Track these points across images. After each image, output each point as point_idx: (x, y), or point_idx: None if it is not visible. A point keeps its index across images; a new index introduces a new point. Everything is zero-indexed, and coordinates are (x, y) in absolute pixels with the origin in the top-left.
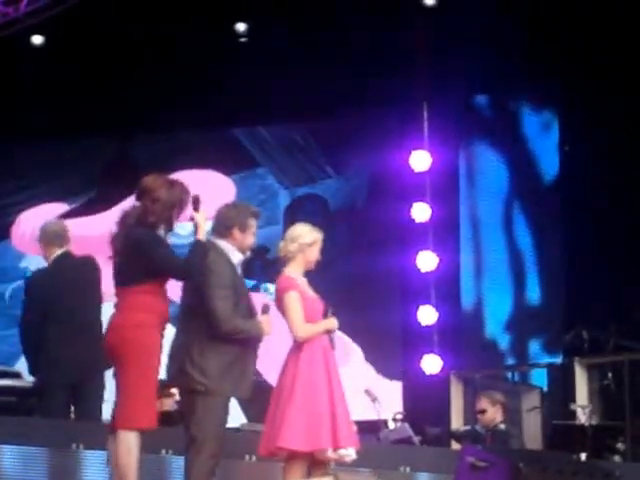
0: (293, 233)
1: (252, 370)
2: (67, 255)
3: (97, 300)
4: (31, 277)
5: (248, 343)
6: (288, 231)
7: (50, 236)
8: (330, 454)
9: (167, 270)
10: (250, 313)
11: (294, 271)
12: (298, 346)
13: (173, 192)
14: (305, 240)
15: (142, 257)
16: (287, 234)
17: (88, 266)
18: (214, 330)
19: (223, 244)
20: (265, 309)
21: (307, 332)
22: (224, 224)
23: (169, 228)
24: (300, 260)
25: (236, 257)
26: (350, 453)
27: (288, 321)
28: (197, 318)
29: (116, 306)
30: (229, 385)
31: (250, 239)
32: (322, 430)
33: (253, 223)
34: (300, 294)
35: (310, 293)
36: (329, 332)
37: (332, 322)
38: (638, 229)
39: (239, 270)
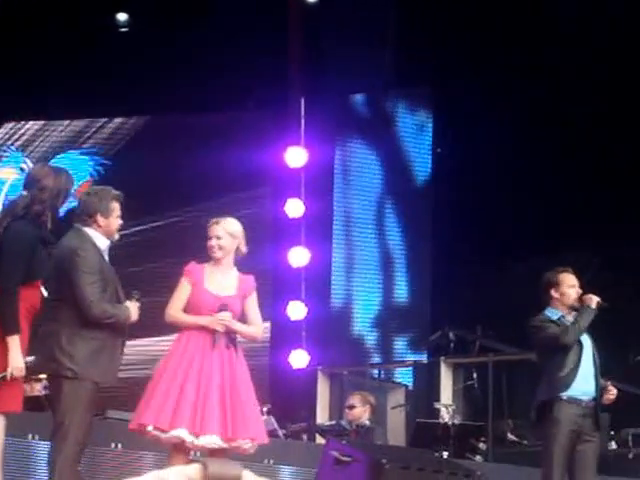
0: (232, 228)
1: (120, 356)
2: None
3: None
4: None
5: (116, 329)
6: (225, 226)
7: None
8: (186, 437)
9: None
10: (117, 299)
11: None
12: (178, 334)
13: (59, 180)
14: (242, 235)
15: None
16: (225, 229)
17: None
18: (82, 316)
19: (89, 231)
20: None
21: (171, 317)
22: (86, 212)
23: (54, 216)
24: (232, 255)
25: (103, 243)
26: (212, 441)
27: None
28: (65, 306)
29: None
30: (97, 371)
31: (115, 223)
32: (163, 409)
33: (116, 206)
34: (192, 283)
35: (211, 286)
36: (214, 330)
37: (211, 321)
38: (504, 233)
39: (106, 256)
